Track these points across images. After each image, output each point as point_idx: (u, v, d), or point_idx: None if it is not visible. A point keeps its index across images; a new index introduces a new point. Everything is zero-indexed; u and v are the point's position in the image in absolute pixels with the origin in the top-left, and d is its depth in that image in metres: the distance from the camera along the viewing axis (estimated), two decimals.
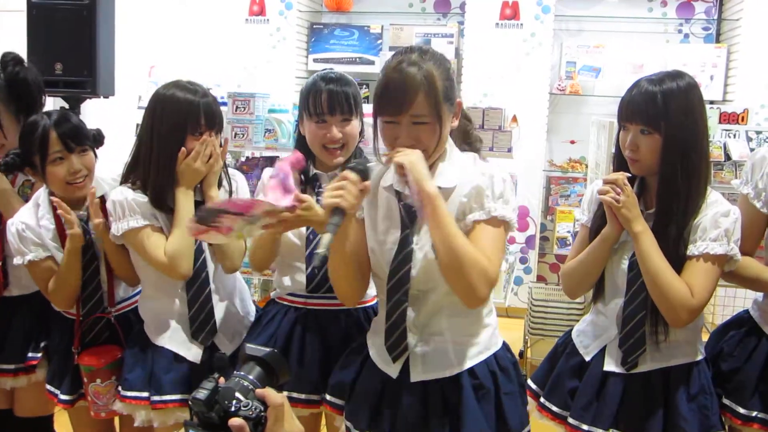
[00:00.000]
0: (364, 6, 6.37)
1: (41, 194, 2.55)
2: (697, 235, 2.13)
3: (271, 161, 4.49)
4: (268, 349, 1.43)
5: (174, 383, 2.39)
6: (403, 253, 1.94)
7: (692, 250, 2.13)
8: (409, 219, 1.95)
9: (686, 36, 5.96)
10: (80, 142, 2.46)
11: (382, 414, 2.04)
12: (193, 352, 2.42)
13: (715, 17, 5.90)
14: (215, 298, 2.47)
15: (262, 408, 1.34)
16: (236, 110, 4.23)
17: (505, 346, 2.12)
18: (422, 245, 1.93)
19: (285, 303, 2.46)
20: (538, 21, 5.54)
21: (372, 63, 5.99)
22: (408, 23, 6.05)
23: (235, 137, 4.23)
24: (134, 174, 2.40)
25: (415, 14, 6.30)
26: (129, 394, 2.42)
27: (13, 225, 2.49)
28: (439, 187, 1.87)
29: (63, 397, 2.59)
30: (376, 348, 2.10)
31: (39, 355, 2.72)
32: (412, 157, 1.81)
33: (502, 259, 1.92)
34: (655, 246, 2.12)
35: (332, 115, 2.31)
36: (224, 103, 4.41)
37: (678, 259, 2.13)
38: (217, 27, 6.05)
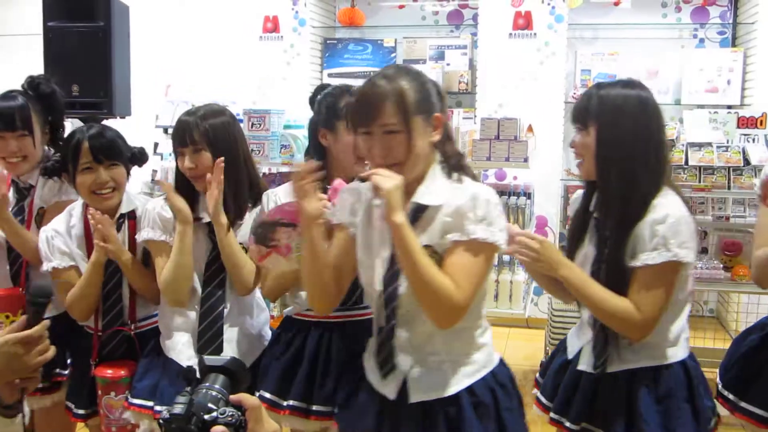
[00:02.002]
0: (377, 20, 6.39)
1: (76, 205, 2.65)
2: (638, 245, 2.08)
3: (288, 177, 4.49)
4: (227, 358, 1.46)
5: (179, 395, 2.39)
6: (392, 272, 1.94)
7: (634, 262, 2.08)
8: None
9: (701, 41, 5.92)
10: (110, 157, 2.53)
11: None
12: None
13: (731, 21, 5.86)
14: (229, 316, 2.48)
15: (240, 413, 1.36)
16: (252, 127, 4.25)
17: (502, 362, 2.10)
18: None
19: (306, 319, 2.45)
20: (552, 30, 5.53)
21: None
22: (421, 36, 6.06)
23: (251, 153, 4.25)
24: None
25: (428, 27, 6.31)
26: (136, 401, 2.47)
27: (44, 232, 2.59)
28: (426, 206, 1.89)
29: (77, 411, 2.63)
30: (370, 368, 2.08)
31: (66, 372, 2.76)
32: (390, 184, 1.80)
33: (477, 283, 1.89)
34: (585, 279, 2.12)
35: None
36: (240, 120, 4.43)
37: (619, 270, 2.10)
38: (232, 45, 6.09)
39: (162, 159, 5.19)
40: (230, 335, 2.49)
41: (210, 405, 1.35)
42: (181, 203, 2.38)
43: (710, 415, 2.23)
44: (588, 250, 2.21)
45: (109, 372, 2.53)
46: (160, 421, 1.33)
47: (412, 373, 1.98)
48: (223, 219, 2.39)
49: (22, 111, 2.69)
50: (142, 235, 2.47)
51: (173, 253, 2.39)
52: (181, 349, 2.46)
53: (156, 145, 5.39)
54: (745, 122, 4.31)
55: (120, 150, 2.58)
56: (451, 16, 6.31)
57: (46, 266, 2.56)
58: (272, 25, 6.05)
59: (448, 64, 5.86)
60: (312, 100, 2.54)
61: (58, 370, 2.76)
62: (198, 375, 1.46)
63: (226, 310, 2.47)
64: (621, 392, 2.18)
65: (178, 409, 1.33)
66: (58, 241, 2.57)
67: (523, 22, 5.56)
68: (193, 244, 2.42)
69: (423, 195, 1.91)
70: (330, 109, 2.41)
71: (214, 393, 1.39)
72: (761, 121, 4.29)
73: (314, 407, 2.37)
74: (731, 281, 3.97)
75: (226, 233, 2.39)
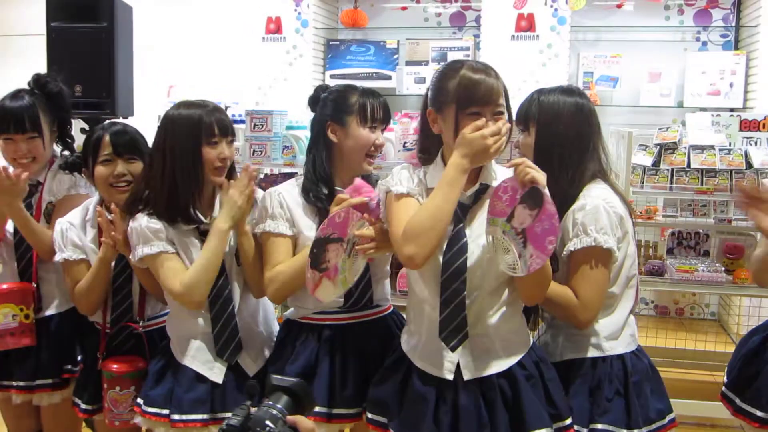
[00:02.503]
0: (380, 22, 6.39)
1: (93, 200, 2.68)
2: (565, 236, 2.22)
3: (290, 178, 4.49)
4: (295, 379, 1.49)
5: (194, 403, 2.40)
6: (459, 245, 2.08)
7: (564, 253, 2.21)
8: (462, 213, 2.10)
9: (704, 44, 5.92)
10: (130, 152, 2.59)
11: (441, 418, 2.11)
12: (215, 372, 2.43)
13: (733, 24, 5.86)
14: (238, 317, 2.47)
15: None
16: (254, 128, 4.24)
17: (534, 340, 2.30)
18: (474, 237, 2.09)
19: (315, 322, 2.45)
20: (554, 32, 5.53)
21: (389, 78, 6.00)
22: (424, 37, 6.06)
23: (253, 155, 4.24)
24: (149, 199, 2.43)
25: (430, 28, 6.32)
26: (150, 410, 2.44)
27: (59, 223, 2.63)
28: (488, 185, 2.12)
29: (84, 406, 2.65)
30: (420, 354, 2.18)
31: (77, 369, 2.78)
32: (545, 178, 1.97)
33: None
34: None
35: (382, 123, 2.47)
36: (242, 121, 4.43)
37: (553, 259, 2.19)
38: (235, 46, 6.10)
39: None
40: (243, 335, 2.48)
41: (267, 422, 1.38)
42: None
43: (653, 416, 2.27)
44: None
45: (114, 366, 2.54)
46: (220, 430, 1.37)
47: (465, 352, 2.12)
48: (248, 226, 2.43)
49: (30, 112, 2.72)
50: (137, 254, 2.40)
51: (207, 254, 2.35)
52: (195, 354, 2.45)
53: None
54: (747, 125, 4.30)
55: (141, 147, 2.62)
56: (453, 18, 6.31)
57: (58, 256, 2.61)
58: (275, 26, 6.05)
59: None
60: (314, 100, 2.55)
61: (69, 367, 2.79)
62: (250, 391, 1.51)
63: (236, 309, 2.47)
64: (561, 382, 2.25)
65: (234, 420, 1.38)
66: (72, 233, 2.60)
67: (526, 24, 5.56)
68: (187, 249, 2.41)
69: (488, 177, 2.14)
70: (338, 103, 2.44)
71: (274, 411, 1.42)
72: (764, 124, 4.28)
73: (335, 410, 2.38)
74: (733, 284, 3.97)
75: (250, 241, 2.43)
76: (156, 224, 2.39)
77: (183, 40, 6.26)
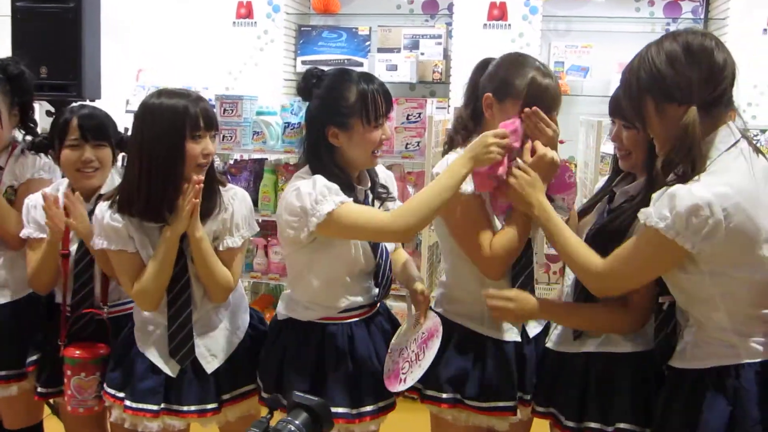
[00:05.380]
0: (352, 8, 6.36)
1: (63, 182, 2.64)
2: None
3: (260, 163, 4.48)
4: (315, 399, 1.53)
5: (147, 392, 2.37)
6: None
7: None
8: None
9: None
10: (98, 137, 2.54)
11: (516, 370, 2.33)
12: (170, 366, 2.40)
13: (702, 17, 5.91)
14: (200, 316, 2.42)
15: None
16: (224, 113, 4.22)
17: None
18: None
19: (340, 322, 2.33)
20: (526, 21, 5.55)
21: (361, 65, 5.96)
22: (396, 24, 6.04)
23: (223, 140, 4.22)
24: (123, 193, 2.33)
25: (403, 15, 6.29)
26: (110, 390, 2.43)
27: (29, 200, 2.60)
28: None
29: (40, 389, 2.62)
30: (488, 326, 2.32)
31: (35, 357, 2.69)
32: None
33: None
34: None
35: (386, 114, 2.25)
36: (212, 106, 4.39)
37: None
38: (205, 30, 6.02)
39: None
40: (204, 331, 2.44)
41: None
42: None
43: None
44: (590, 218, 2.33)
45: (77, 353, 2.49)
46: None
47: None
48: (200, 232, 2.29)
49: None
50: (98, 243, 2.35)
51: (159, 261, 2.28)
52: (152, 345, 2.42)
53: (126, 130, 5.32)
54: None
55: (109, 132, 2.58)
56: (426, 6, 6.30)
57: (22, 232, 2.59)
58: (246, 11, 5.99)
59: (422, 54, 5.85)
60: (306, 91, 2.28)
61: (29, 360, 2.68)
62: (270, 404, 1.65)
63: (195, 311, 2.41)
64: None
65: None
66: (37, 212, 2.55)
67: (498, 13, 5.56)
68: (148, 246, 2.34)
69: None
70: (338, 105, 2.19)
71: (292, 428, 1.46)
72: (730, 116, 4.33)
73: (363, 408, 2.31)
74: None
75: (203, 245, 2.31)
76: (118, 222, 2.30)
77: (152, 23, 6.17)
